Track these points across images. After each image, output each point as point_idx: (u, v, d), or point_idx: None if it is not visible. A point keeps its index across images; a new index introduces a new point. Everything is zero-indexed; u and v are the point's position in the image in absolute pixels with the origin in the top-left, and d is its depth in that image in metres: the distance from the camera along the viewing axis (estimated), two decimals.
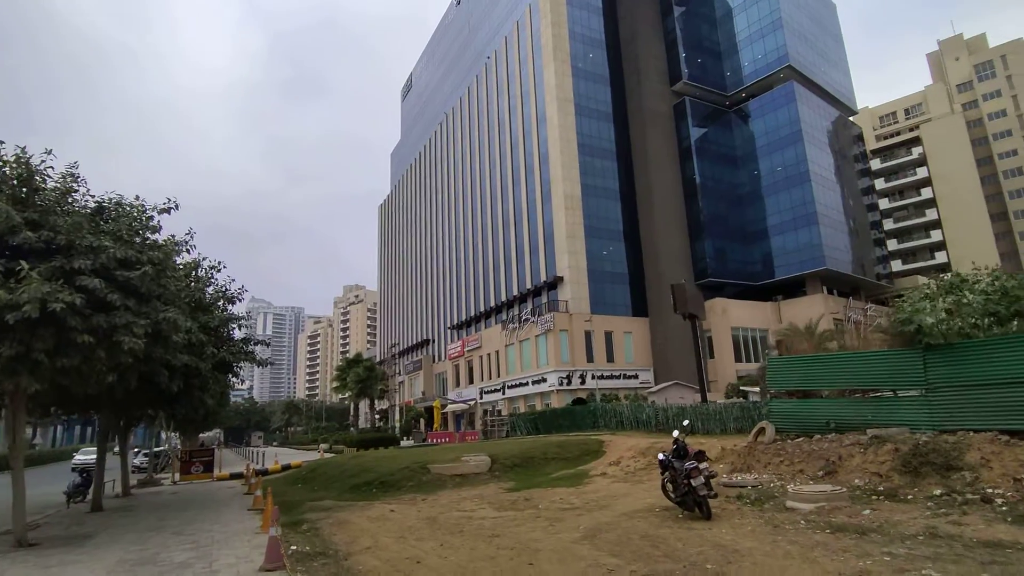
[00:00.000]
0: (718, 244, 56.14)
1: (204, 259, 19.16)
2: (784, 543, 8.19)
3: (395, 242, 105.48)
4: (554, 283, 53.11)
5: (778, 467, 13.89)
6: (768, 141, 57.17)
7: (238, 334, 20.79)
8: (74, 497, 19.70)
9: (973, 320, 12.93)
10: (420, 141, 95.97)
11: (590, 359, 50.53)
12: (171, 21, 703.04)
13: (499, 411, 55.71)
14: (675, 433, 11.83)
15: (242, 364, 20.75)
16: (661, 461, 11.48)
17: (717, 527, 9.57)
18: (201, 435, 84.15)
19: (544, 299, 54.32)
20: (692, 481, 10.23)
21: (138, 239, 13.40)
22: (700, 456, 11.04)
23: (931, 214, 79.54)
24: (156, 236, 14.40)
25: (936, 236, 78.56)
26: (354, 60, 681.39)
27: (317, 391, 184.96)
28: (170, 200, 14.33)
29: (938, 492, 10.34)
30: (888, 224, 79.47)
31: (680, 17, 60.95)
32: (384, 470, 20.42)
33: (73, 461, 42.34)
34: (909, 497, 10.49)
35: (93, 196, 13.68)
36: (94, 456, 33.63)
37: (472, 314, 68.46)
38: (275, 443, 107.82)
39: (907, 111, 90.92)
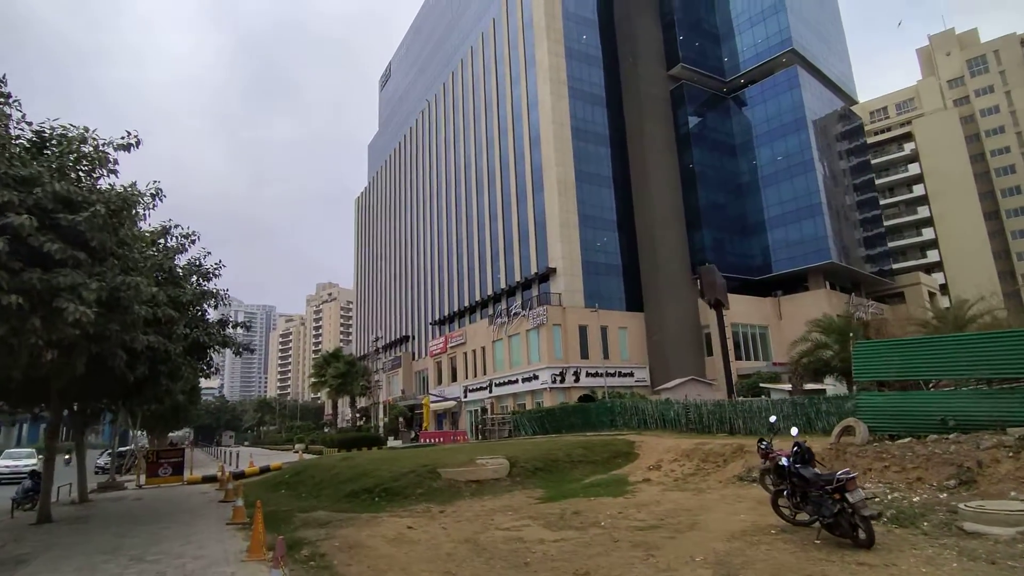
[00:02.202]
0: (716, 236, 53.88)
1: (176, 226, 16.18)
2: None
3: (373, 236, 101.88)
4: (546, 275, 50.30)
5: (883, 474, 11.31)
6: (769, 128, 55.01)
7: (212, 315, 17.69)
8: (22, 504, 16.62)
9: None
10: (400, 130, 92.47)
11: (584, 355, 47.83)
12: (138, 20, 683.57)
13: (485, 409, 52.89)
14: (793, 431, 9.26)
15: (218, 349, 17.51)
16: (778, 468, 8.88)
17: (900, 561, 6.92)
18: (171, 434, 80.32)
19: (535, 292, 51.47)
20: (850, 496, 7.59)
21: (87, 179, 10.43)
22: (811, 460, 8.59)
23: (923, 212, 78.52)
24: (113, 179, 11.40)
25: (928, 234, 77.46)
26: (323, 59, 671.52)
27: (289, 390, 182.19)
28: (130, 134, 11.33)
29: None
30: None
31: None
32: (385, 475, 17.68)
33: None
34: None
35: (30, 124, 10.69)
36: (28, 460, 29.91)
37: (456, 309, 65.39)
38: (246, 443, 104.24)
39: (898, 106, 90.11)
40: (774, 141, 54.56)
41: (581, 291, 49.10)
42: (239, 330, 17.65)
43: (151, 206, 12.35)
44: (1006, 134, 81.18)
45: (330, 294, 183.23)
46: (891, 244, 78.37)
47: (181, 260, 16.53)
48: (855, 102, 65.58)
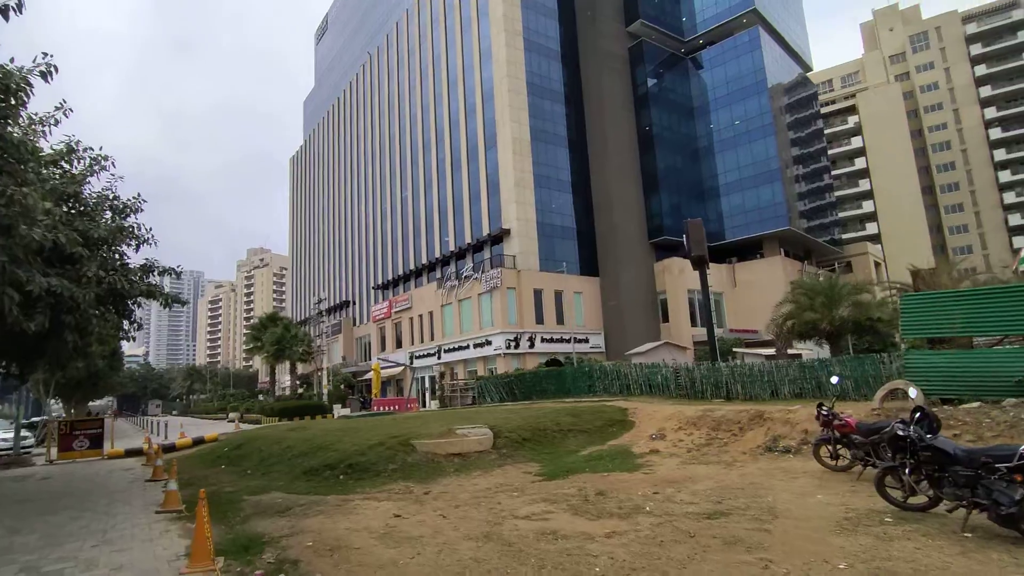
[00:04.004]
0: (673, 201, 52.57)
1: (86, 149, 13.06)
2: None
3: (309, 197, 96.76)
4: (499, 237, 47.98)
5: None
6: (728, 91, 53.75)
7: (133, 259, 14.40)
8: None
9: None
10: (339, 86, 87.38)
11: (539, 320, 46.06)
12: None
13: (442, 374, 50.62)
14: (912, 393, 7.48)
15: (140, 302, 14.29)
16: (899, 438, 7.03)
17: None
18: (91, 403, 74.65)
19: (487, 255, 49.13)
20: None
21: None
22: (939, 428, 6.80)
23: (864, 184, 79.91)
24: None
25: (868, 207, 79.02)
26: (247, 15, 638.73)
27: (219, 358, 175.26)
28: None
29: None
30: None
31: None
32: (348, 448, 15.18)
33: None
34: None
35: None
36: None
37: (400, 273, 62.33)
38: (175, 412, 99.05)
39: (844, 79, 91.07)
40: (733, 104, 53.42)
41: (536, 254, 47.11)
42: (167, 278, 14.39)
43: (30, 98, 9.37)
44: (944, 111, 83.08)
45: (262, 259, 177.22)
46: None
47: (91, 191, 13.46)
48: (810, 69, 65.20)
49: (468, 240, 51.51)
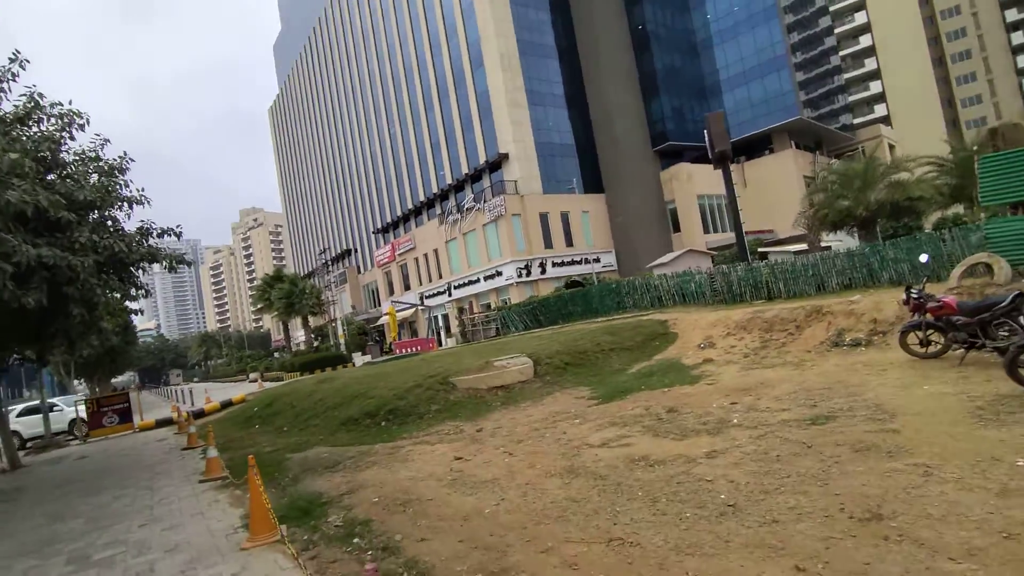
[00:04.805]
0: (675, 103, 50.05)
1: (54, 105, 12.03)
2: None
3: (295, 146, 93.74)
4: (497, 163, 45.98)
5: None
6: None
7: (129, 224, 13.40)
8: None
9: None
10: (308, 23, 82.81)
11: (548, 245, 44.66)
12: None
13: (462, 309, 49.99)
14: (1001, 266, 6.44)
15: (144, 267, 13.36)
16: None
17: None
18: (114, 380, 75.46)
19: (486, 184, 47.28)
20: None
21: None
22: None
23: (870, 64, 76.50)
24: None
25: (875, 88, 75.91)
26: None
27: (229, 321, 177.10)
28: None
29: None
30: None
31: None
32: (385, 393, 14.48)
33: None
34: None
35: None
36: None
37: (399, 213, 60.69)
38: (196, 379, 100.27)
39: None
40: None
41: (538, 176, 45.35)
42: (166, 239, 13.39)
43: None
44: None
45: (255, 219, 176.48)
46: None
47: (70, 152, 12.45)
48: None
49: (465, 170, 49.57)
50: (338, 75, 73.58)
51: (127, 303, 16.37)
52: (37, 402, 27.48)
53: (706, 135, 23.17)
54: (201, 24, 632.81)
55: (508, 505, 6.17)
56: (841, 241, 34.68)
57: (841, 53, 76.17)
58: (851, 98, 73.66)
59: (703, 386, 11.16)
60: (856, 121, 70.50)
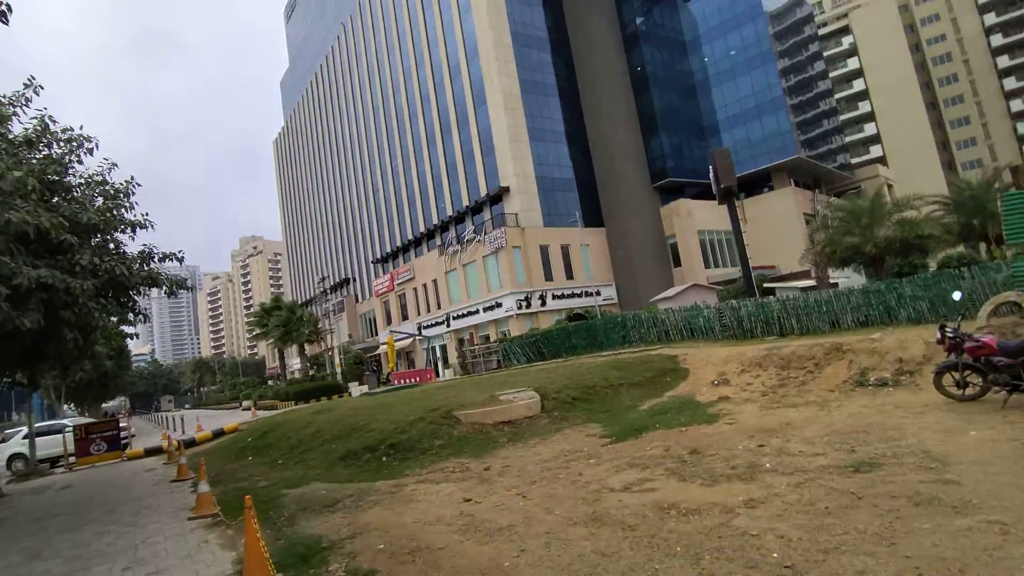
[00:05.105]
0: (674, 141, 50.60)
1: (65, 130, 11.91)
2: None
3: (297, 177, 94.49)
4: (498, 196, 46.18)
5: None
6: (721, 20, 51.20)
7: (131, 247, 13.13)
8: None
9: None
10: (315, 61, 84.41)
11: (548, 277, 44.56)
12: None
13: (462, 340, 49.52)
14: None
15: (144, 291, 13.11)
16: None
17: None
18: (104, 405, 73.97)
19: (487, 216, 47.44)
20: None
21: None
22: None
23: (864, 107, 77.69)
24: None
25: (870, 130, 76.94)
26: (207, 11, 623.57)
27: (224, 348, 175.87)
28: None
29: None
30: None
31: None
32: (385, 426, 13.98)
33: None
34: None
35: None
36: None
37: (399, 244, 60.71)
38: (187, 406, 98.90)
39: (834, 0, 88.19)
40: (727, 34, 51.05)
41: (538, 209, 45.44)
42: (168, 263, 13.03)
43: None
44: (942, 21, 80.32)
45: (255, 247, 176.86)
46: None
47: (76, 176, 12.33)
48: None
49: (466, 203, 49.76)
50: (342, 109, 74.52)
51: (124, 327, 15.85)
52: (50, 422, 27.08)
53: (711, 170, 23.10)
54: (209, 56, 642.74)
55: (530, 558, 5.61)
56: (848, 278, 34.40)
57: (836, 96, 77.63)
58: (847, 139, 74.69)
59: (723, 426, 10.80)
60: (853, 161, 71.27)
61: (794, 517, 5.63)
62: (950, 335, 9.09)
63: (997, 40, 76.21)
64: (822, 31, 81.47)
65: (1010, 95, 75.67)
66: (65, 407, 52.87)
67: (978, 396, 8.99)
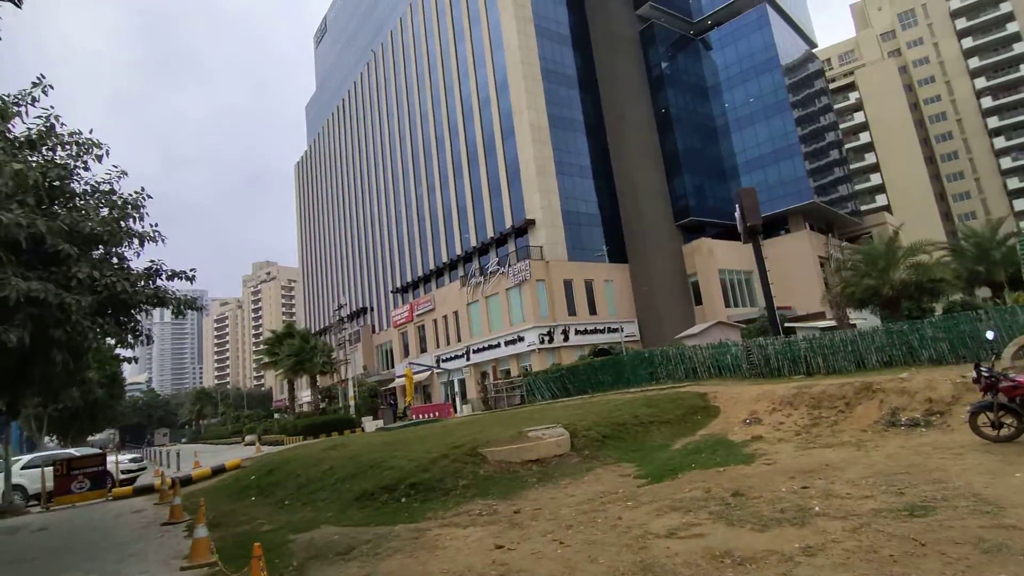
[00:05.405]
0: (696, 181, 52.06)
1: (72, 134, 10.87)
2: None
3: (317, 203, 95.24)
4: (523, 228, 46.91)
5: None
6: (741, 69, 53.38)
7: (136, 262, 11.61)
8: None
9: None
10: (343, 86, 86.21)
11: (572, 312, 44.91)
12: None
13: (485, 374, 49.64)
14: None
15: (148, 310, 11.77)
16: None
17: None
18: (90, 438, 69.46)
19: (511, 248, 48.11)
20: None
21: None
22: None
23: (870, 158, 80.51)
24: None
25: (875, 180, 79.58)
26: (235, 27, 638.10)
27: (228, 379, 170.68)
28: None
29: None
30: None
31: None
32: (405, 464, 13.20)
33: None
34: None
35: None
36: None
37: (420, 274, 61.11)
38: (184, 440, 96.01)
39: (840, 57, 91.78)
40: (746, 82, 53.14)
41: (563, 243, 46.25)
42: (176, 283, 11.76)
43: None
44: (936, 83, 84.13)
45: (268, 273, 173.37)
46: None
47: (82, 183, 11.26)
48: (815, 45, 65.24)
49: (490, 234, 50.49)
50: (368, 136, 75.73)
51: (120, 351, 14.43)
52: (55, 452, 25.70)
53: (738, 209, 24.09)
54: (233, 76, 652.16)
55: None
56: (865, 319, 35.28)
57: (846, 146, 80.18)
58: (856, 187, 76.75)
59: (761, 466, 10.74)
60: (862, 208, 73.22)
61: (858, 566, 5.47)
62: (985, 375, 9.23)
63: (987, 102, 79.88)
64: (832, 85, 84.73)
65: (1000, 153, 78.98)
66: (47, 439, 49.08)
67: (1014, 437, 9.01)
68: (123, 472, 23.99)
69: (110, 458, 24.82)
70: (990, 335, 11.82)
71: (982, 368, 9.40)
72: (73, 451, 25.06)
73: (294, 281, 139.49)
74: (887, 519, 6.67)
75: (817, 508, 7.47)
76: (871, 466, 9.32)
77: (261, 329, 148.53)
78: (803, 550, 6.00)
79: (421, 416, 35.74)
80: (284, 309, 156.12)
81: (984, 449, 9.10)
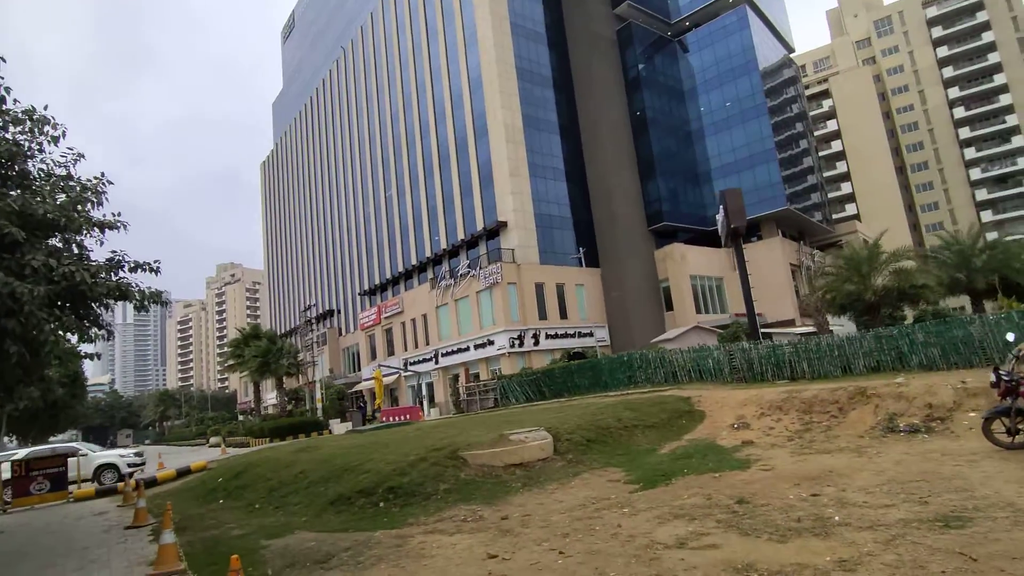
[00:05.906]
0: (670, 185, 51.53)
1: (27, 111, 10.02)
2: None
3: (284, 202, 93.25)
4: (495, 230, 45.94)
5: None
6: (719, 72, 52.99)
7: (97, 252, 11.57)
8: None
9: None
10: (311, 84, 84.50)
11: (543, 316, 44.08)
12: None
13: (456, 377, 48.67)
14: None
15: (109, 304, 10.94)
16: None
17: None
18: (52, 438, 68.27)
19: (482, 251, 47.22)
20: None
21: None
22: None
23: (840, 167, 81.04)
24: None
25: (846, 188, 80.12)
26: (194, 24, 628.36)
27: (192, 380, 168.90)
28: None
29: None
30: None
31: None
32: (382, 467, 12.72)
33: None
34: None
35: None
36: None
37: (389, 276, 59.83)
38: (148, 441, 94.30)
39: (815, 64, 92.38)
40: (725, 84, 52.77)
41: (535, 246, 45.42)
42: (139, 274, 10.98)
43: None
44: (910, 92, 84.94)
45: (233, 275, 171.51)
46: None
47: (33, 158, 10.45)
48: (793, 50, 65.23)
49: (461, 236, 49.46)
50: (337, 135, 74.26)
51: (81, 347, 13.76)
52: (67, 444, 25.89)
53: (721, 210, 23.65)
54: (196, 73, 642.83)
55: None
56: (842, 326, 34.97)
57: (819, 154, 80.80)
58: (828, 195, 77.30)
59: (758, 472, 10.35)
60: (833, 216, 73.66)
61: None
62: (1005, 378, 8.87)
63: (959, 112, 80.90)
64: (806, 92, 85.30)
65: (969, 164, 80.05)
66: (6, 439, 47.87)
67: None
68: (129, 466, 23.54)
69: (117, 452, 25.67)
70: (1010, 337, 11.49)
71: (1002, 372, 9.04)
72: (79, 446, 25.51)
73: (259, 283, 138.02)
74: (921, 530, 6.23)
75: (837, 517, 7.03)
76: (880, 473, 8.97)
77: (225, 331, 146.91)
78: (838, 564, 5.52)
79: (392, 419, 35.29)
80: (248, 311, 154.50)
81: (1000, 456, 8.78)
